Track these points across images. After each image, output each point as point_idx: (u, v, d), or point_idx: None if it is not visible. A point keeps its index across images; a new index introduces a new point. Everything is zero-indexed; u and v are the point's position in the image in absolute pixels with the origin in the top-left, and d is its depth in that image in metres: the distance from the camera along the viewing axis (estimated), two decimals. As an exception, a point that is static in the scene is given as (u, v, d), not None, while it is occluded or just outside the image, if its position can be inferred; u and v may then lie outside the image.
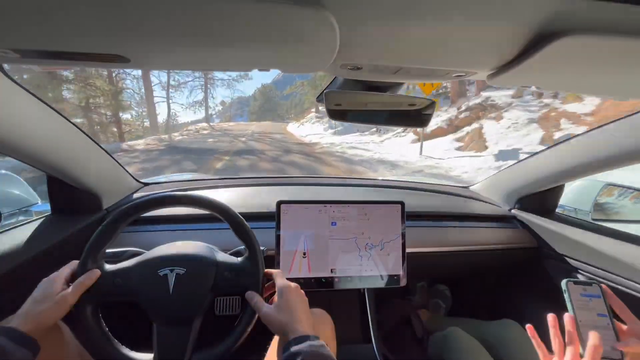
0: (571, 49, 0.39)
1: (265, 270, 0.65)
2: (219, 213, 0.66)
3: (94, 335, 0.57)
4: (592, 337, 0.47)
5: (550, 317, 0.51)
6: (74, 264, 0.60)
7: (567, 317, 0.50)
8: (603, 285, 0.54)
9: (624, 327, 0.50)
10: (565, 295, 0.53)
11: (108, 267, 0.62)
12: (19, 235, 0.76)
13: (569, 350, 0.47)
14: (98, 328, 0.58)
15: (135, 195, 1.10)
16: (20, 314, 0.52)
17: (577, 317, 0.50)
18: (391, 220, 0.92)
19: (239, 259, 0.65)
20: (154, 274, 0.60)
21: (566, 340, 0.49)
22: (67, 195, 0.88)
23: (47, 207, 0.92)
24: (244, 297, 0.62)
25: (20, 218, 1.11)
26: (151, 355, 0.57)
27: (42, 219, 0.87)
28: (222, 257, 0.65)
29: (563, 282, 0.54)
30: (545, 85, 0.58)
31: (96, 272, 0.58)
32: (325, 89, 0.72)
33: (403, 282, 0.92)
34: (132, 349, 0.59)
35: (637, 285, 0.83)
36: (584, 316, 0.51)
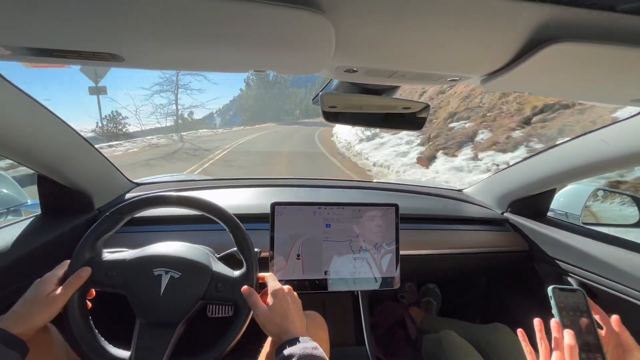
0: (562, 55, 0.40)
1: (259, 274, 0.65)
2: (225, 223, 0.66)
3: (75, 320, 0.57)
4: (567, 337, 0.48)
5: (537, 322, 0.52)
6: (66, 264, 0.59)
7: (553, 322, 0.52)
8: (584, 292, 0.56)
9: (602, 332, 0.52)
10: (552, 302, 0.54)
11: (106, 255, 0.62)
12: (8, 235, 0.75)
13: (555, 355, 0.48)
14: (81, 314, 0.57)
15: (128, 195, 1.09)
16: (9, 315, 0.51)
17: (562, 322, 0.52)
18: (385, 223, 0.93)
19: (236, 273, 0.65)
20: (148, 272, 0.60)
21: (552, 345, 0.50)
22: (57, 194, 0.87)
23: (37, 207, 0.90)
24: (233, 306, 0.61)
25: (9, 217, 1.09)
26: (128, 353, 0.57)
27: (32, 219, 0.85)
28: (219, 267, 0.65)
29: (549, 289, 0.56)
30: (536, 90, 0.59)
31: (86, 271, 0.58)
32: (320, 91, 0.73)
33: (397, 285, 0.92)
34: (109, 342, 0.59)
35: (625, 288, 0.84)
36: (569, 322, 0.52)
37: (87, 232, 0.61)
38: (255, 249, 0.66)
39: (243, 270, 0.65)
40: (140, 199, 0.65)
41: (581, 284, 0.97)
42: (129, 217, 0.65)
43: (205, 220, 0.68)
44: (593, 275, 0.92)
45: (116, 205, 0.65)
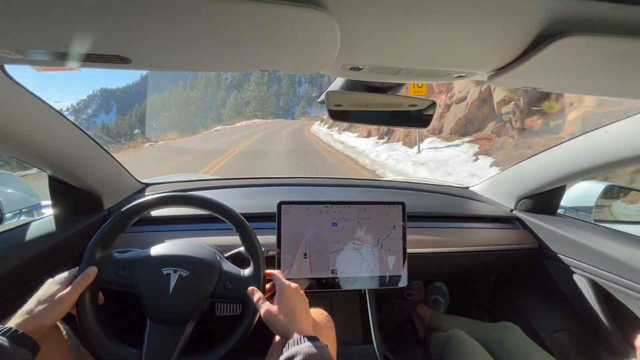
0: (571, 49, 0.40)
1: (266, 271, 0.65)
2: (232, 222, 0.66)
3: (87, 319, 0.58)
4: None
5: None
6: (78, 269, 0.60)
7: None
8: None
9: None
10: None
11: (116, 255, 0.63)
12: (21, 235, 0.77)
13: None
14: (92, 313, 0.58)
15: (137, 195, 1.10)
16: (21, 313, 0.52)
17: None
18: (392, 221, 0.92)
19: (244, 272, 0.65)
20: (157, 271, 0.61)
21: None
22: (68, 195, 0.88)
23: (48, 207, 0.92)
24: (241, 304, 0.62)
25: (22, 218, 1.11)
26: (138, 352, 0.58)
27: (44, 219, 0.87)
28: (227, 266, 0.66)
29: None
30: (545, 86, 0.58)
31: (93, 270, 0.59)
32: (326, 89, 0.73)
33: (404, 283, 0.91)
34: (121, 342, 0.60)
35: (638, 285, 0.83)
36: None
37: (97, 232, 0.62)
38: (262, 248, 0.67)
39: (251, 268, 0.65)
40: (149, 199, 0.65)
41: (591, 281, 0.95)
42: (137, 217, 0.66)
43: (213, 219, 0.69)
44: (604, 272, 0.91)
45: (125, 206, 0.66)
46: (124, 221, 0.64)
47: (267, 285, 0.66)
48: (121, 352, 0.58)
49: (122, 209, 0.64)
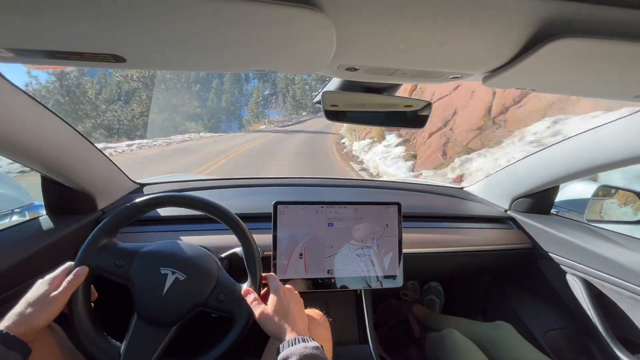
0: (565, 51, 0.40)
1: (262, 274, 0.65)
2: (228, 224, 0.66)
3: (81, 318, 0.57)
4: None
5: None
6: (69, 265, 0.60)
7: None
8: None
9: None
10: None
11: (120, 244, 0.63)
12: (13, 236, 0.76)
13: None
14: (86, 313, 0.58)
15: (136, 195, 1.09)
16: (11, 315, 0.51)
17: None
18: (388, 221, 0.93)
19: (240, 285, 0.64)
20: (155, 269, 0.60)
21: None
22: (61, 195, 0.87)
23: (41, 208, 0.91)
24: (230, 318, 0.61)
25: (14, 218, 1.10)
26: (120, 345, 0.57)
27: (36, 220, 0.86)
28: (225, 277, 0.65)
29: None
30: (539, 87, 0.58)
31: (84, 270, 0.58)
32: (322, 90, 0.73)
33: (399, 283, 0.92)
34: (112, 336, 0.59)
35: (629, 285, 0.84)
36: None
37: (104, 220, 0.62)
38: (259, 249, 0.67)
39: (249, 282, 0.64)
40: (161, 196, 0.65)
41: (584, 281, 0.97)
42: (145, 212, 0.65)
43: (210, 219, 0.68)
44: (596, 272, 0.92)
45: (120, 206, 0.65)
46: (131, 213, 0.64)
47: (262, 292, 0.65)
48: (102, 342, 0.57)
49: (133, 202, 0.64)
